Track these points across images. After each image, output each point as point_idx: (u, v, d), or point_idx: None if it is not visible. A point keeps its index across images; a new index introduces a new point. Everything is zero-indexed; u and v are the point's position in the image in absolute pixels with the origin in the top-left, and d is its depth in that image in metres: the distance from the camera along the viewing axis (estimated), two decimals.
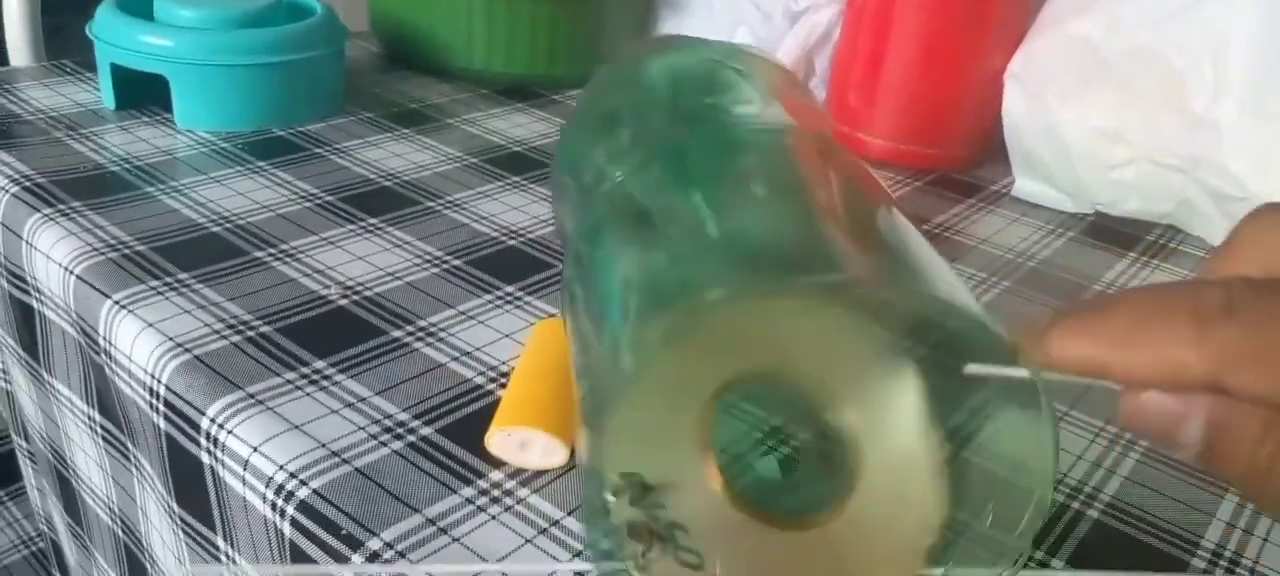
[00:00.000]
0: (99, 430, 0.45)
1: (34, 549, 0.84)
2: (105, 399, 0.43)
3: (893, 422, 0.27)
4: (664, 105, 0.39)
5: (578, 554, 0.29)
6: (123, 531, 0.47)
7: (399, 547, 0.29)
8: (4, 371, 0.57)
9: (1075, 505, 0.33)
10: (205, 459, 0.34)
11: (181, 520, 0.38)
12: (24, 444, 0.60)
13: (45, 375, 0.49)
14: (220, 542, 0.36)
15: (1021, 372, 0.21)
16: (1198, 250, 0.54)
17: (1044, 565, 0.31)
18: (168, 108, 0.57)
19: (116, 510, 0.47)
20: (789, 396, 0.29)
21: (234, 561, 0.36)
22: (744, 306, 0.26)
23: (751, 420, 0.32)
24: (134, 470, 0.43)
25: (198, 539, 0.38)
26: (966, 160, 0.62)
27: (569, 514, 0.31)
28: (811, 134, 0.35)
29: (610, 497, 0.24)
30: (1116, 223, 0.56)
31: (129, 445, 0.42)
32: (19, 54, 0.73)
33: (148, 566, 0.45)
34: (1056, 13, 0.57)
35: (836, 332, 0.28)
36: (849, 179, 0.31)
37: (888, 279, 0.25)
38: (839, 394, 0.27)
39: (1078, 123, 0.55)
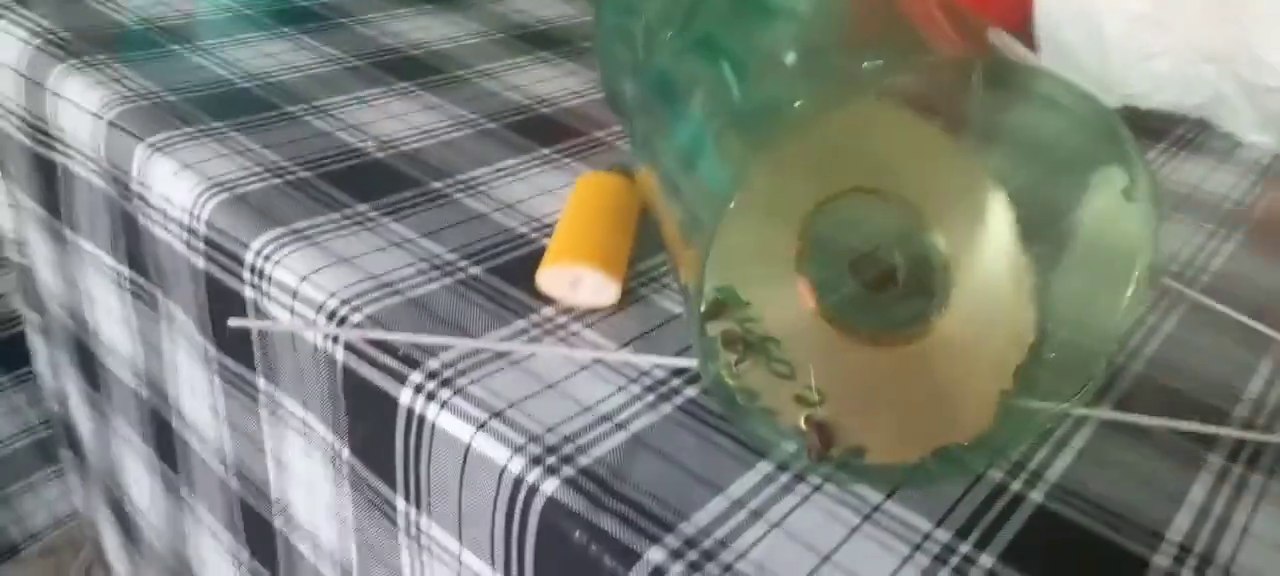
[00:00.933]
0: (128, 284, 0.45)
1: (36, 438, 0.84)
2: (134, 250, 0.42)
3: (984, 243, 0.27)
4: None
5: (633, 381, 0.29)
6: (149, 390, 0.47)
7: (459, 366, 0.29)
8: (19, 245, 0.57)
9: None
10: (249, 293, 0.34)
11: (220, 365, 0.38)
12: (37, 319, 0.59)
13: (68, 233, 0.48)
14: (260, 382, 0.36)
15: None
16: (1225, 144, 0.54)
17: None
18: None
19: (141, 370, 0.47)
20: (882, 218, 0.29)
21: (275, 400, 0.36)
22: (834, 119, 0.26)
23: (846, 240, 0.32)
24: (164, 321, 0.42)
25: (237, 382, 0.38)
26: None
27: (624, 345, 0.31)
28: None
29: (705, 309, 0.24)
30: (1144, 117, 0.56)
31: (159, 295, 0.42)
32: None
33: (173, 423, 0.45)
34: None
35: (929, 151, 0.28)
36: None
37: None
38: (932, 215, 0.27)
39: (1114, 7, 0.54)
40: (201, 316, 0.38)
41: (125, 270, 0.44)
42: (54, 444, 0.75)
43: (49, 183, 0.48)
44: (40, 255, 0.53)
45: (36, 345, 0.62)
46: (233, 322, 0.33)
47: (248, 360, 0.36)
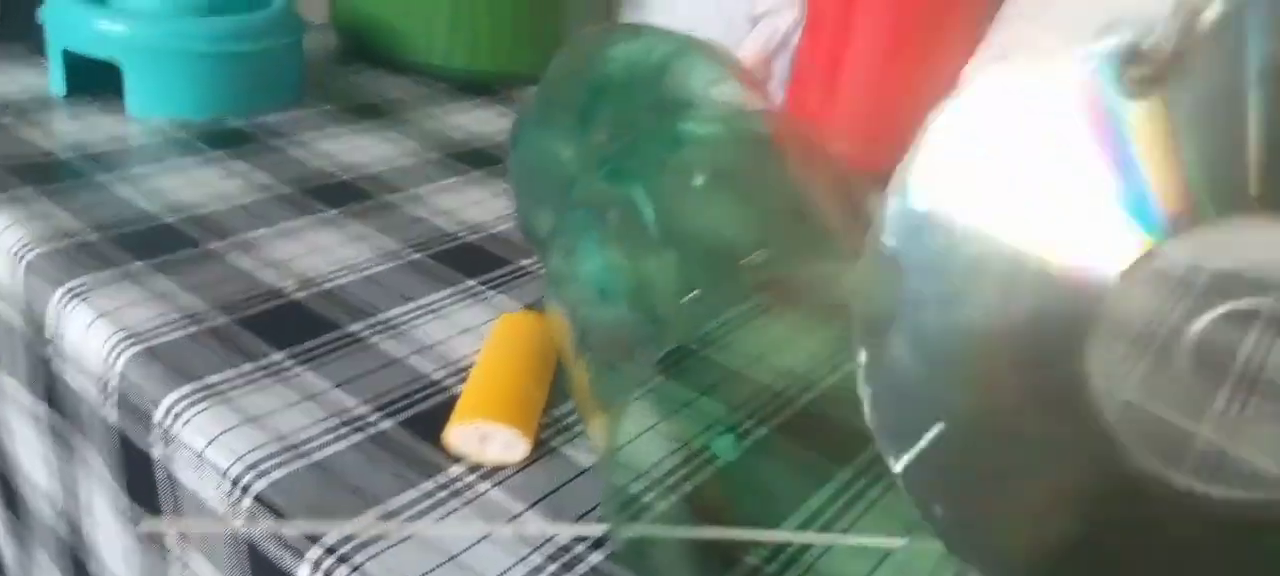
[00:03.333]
0: (46, 423, 0.44)
1: None
2: (51, 392, 0.42)
3: None
4: (634, 93, 0.39)
5: (537, 549, 0.29)
6: (67, 530, 0.46)
7: (357, 541, 0.29)
8: None
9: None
10: (157, 453, 0.34)
11: (132, 516, 0.38)
12: None
13: None
14: (173, 540, 0.36)
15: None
16: None
17: None
18: (120, 95, 0.55)
19: (60, 507, 0.46)
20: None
21: (185, 560, 0.35)
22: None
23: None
24: (80, 465, 0.42)
25: (151, 539, 0.37)
26: None
27: (531, 506, 0.31)
28: (784, 116, 0.36)
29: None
30: None
31: (76, 440, 0.41)
32: None
33: (90, 566, 0.44)
34: (1015, 10, 0.58)
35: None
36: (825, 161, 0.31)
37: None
38: None
39: None
40: (116, 470, 0.37)
41: (43, 410, 0.44)
42: None
43: None
44: None
45: None
46: (141, 528, 0.33)
47: (158, 513, 0.36)
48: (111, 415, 0.36)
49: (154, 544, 0.37)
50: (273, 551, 0.29)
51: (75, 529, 0.45)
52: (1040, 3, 0.57)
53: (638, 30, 0.44)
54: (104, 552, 0.42)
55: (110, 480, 0.38)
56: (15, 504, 0.52)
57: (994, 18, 0.60)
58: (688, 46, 0.42)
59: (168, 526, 0.33)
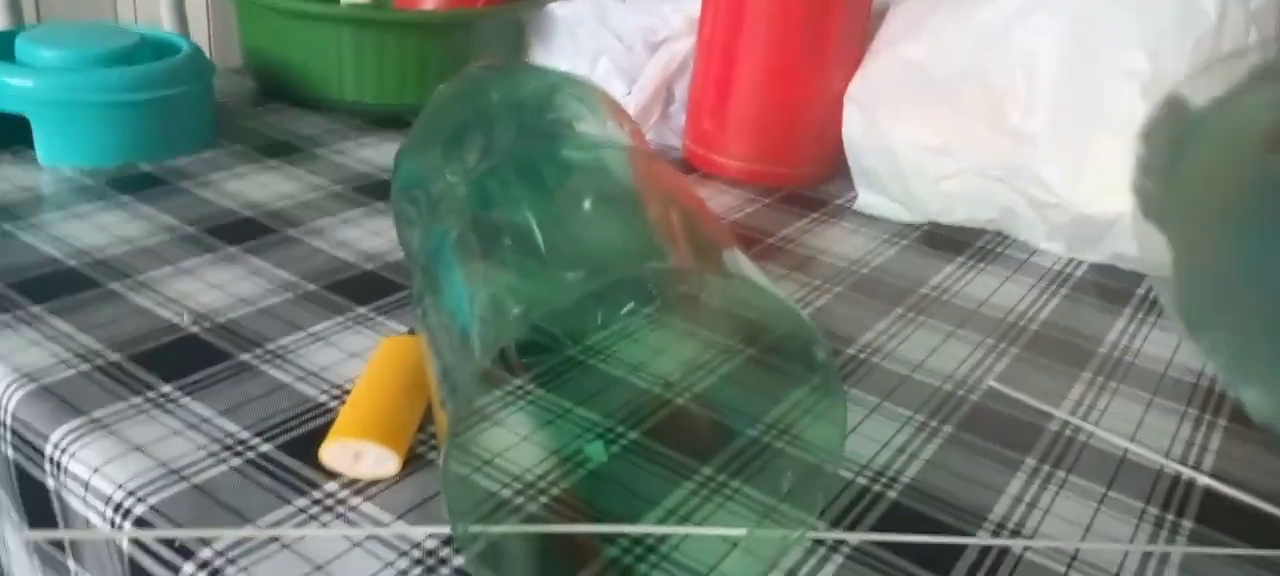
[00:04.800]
0: None
1: None
2: None
3: None
4: (506, 123, 0.42)
5: (403, 554, 0.31)
6: None
7: (230, 555, 0.31)
8: None
9: (877, 487, 0.36)
10: (51, 483, 0.36)
11: (36, 546, 0.39)
12: None
13: None
14: (71, 564, 0.37)
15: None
16: (1021, 253, 0.58)
17: (840, 541, 0.34)
18: (31, 145, 0.57)
19: None
20: None
21: None
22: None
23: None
24: None
25: (51, 562, 0.39)
26: (813, 177, 0.66)
27: (398, 518, 0.33)
28: (643, 152, 0.39)
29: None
30: (948, 231, 0.60)
31: None
32: None
33: None
34: (889, 37, 0.61)
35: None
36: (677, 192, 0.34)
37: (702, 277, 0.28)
38: None
39: (909, 140, 0.58)
40: (16, 502, 0.39)
41: None
42: None
43: None
44: None
45: None
46: (26, 535, 0.34)
47: (59, 544, 0.37)
48: (9, 452, 0.38)
49: (56, 568, 0.38)
50: (151, 566, 0.31)
51: None
52: (912, 26, 0.61)
53: (518, 67, 0.47)
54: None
55: (15, 514, 0.40)
56: None
57: (868, 42, 0.63)
58: (564, 82, 0.44)
59: (40, 535, 0.35)
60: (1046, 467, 0.39)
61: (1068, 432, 0.41)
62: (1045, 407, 0.42)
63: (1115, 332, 0.50)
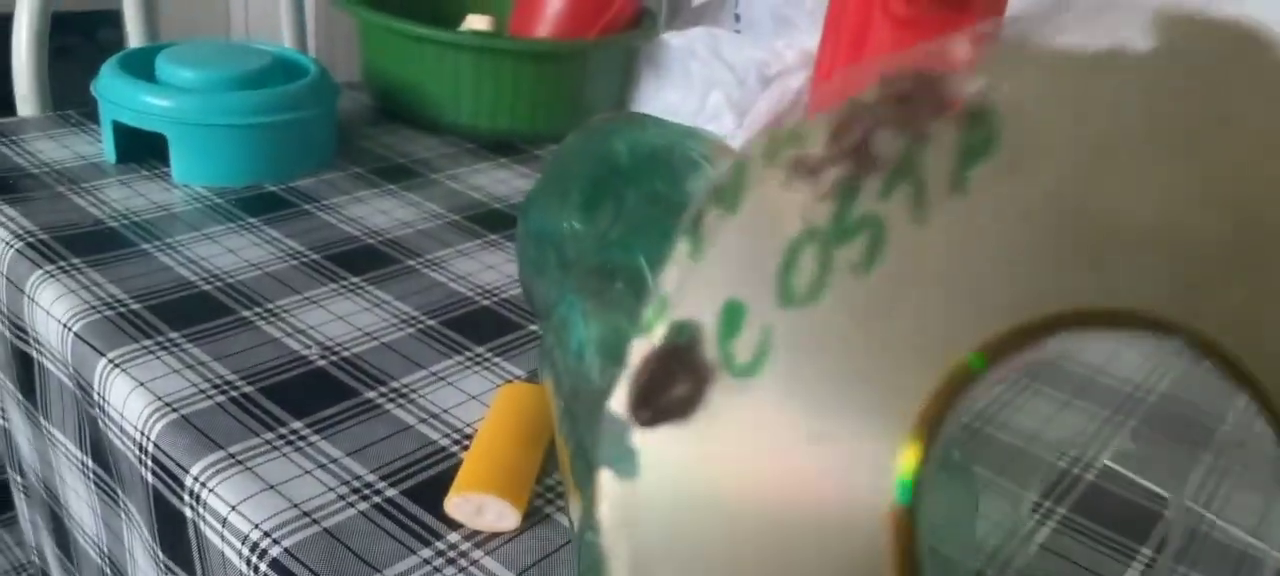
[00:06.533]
0: (92, 475, 0.48)
1: (28, 574, 0.87)
2: (98, 448, 0.46)
3: None
4: (636, 185, 0.42)
5: None
6: (111, 570, 0.50)
7: None
8: (2, 411, 0.60)
9: (989, 573, 0.36)
10: (188, 513, 0.37)
11: (166, 567, 0.41)
12: (19, 479, 0.63)
13: (42, 420, 0.51)
14: None
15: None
16: None
17: None
18: (166, 161, 0.60)
19: (105, 550, 0.50)
20: None
21: None
22: None
23: None
24: (123, 515, 0.46)
25: None
26: None
27: (520, 574, 0.34)
28: None
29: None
30: None
31: (119, 492, 0.45)
32: (26, 104, 0.76)
33: None
34: None
35: None
36: None
37: None
38: None
39: None
40: (151, 523, 0.41)
41: (90, 463, 0.47)
42: None
43: (27, 372, 0.51)
44: (18, 429, 0.57)
45: (19, 502, 0.65)
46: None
47: (190, 568, 0.39)
48: (148, 476, 0.39)
49: None
50: None
51: (119, 570, 0.49)
52: None
53: (642, 120, 0.47)
54: None
55: (146, 532, 0.42)
56: (66, 544, 0.56)
57: None
58: (685, 136, 0.45)
59: None
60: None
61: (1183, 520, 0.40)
62: (1162, 492, 0.41)
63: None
